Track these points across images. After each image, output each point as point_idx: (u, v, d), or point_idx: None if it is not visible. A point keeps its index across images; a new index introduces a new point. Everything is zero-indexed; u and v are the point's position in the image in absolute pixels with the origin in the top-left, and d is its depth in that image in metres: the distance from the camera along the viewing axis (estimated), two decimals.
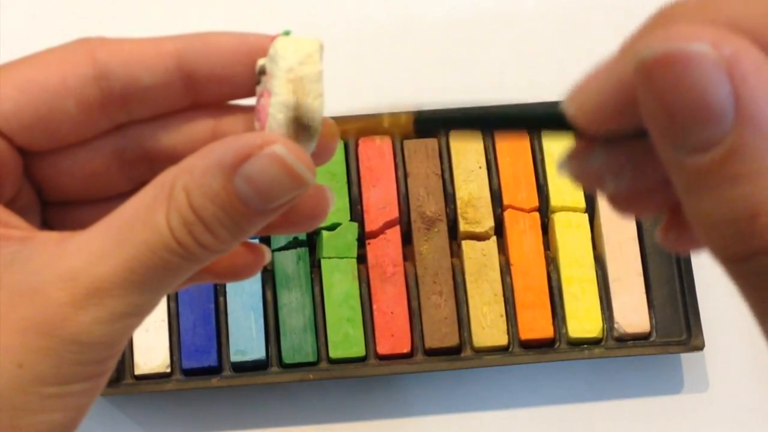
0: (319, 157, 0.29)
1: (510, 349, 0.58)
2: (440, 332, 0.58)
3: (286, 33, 0.28)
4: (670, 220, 0.26)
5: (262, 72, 0.28)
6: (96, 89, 0.28)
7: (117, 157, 0.30)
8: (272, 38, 0.28)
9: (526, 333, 0.58)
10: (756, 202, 0.20)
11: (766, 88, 0.20)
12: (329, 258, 0.58)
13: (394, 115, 0.28)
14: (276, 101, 0.27)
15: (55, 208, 0.31)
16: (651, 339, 0.58)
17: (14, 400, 0.26)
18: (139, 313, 0.27)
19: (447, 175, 0.60)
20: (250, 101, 0.30)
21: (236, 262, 0.31)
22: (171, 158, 0.30)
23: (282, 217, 0.27)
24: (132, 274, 0.26)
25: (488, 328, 0.58)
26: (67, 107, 0.28)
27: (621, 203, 0.26)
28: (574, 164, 0.25)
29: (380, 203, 0.60)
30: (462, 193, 0.60)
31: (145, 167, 0.31)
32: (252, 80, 0.29)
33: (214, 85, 0.29)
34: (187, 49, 0.29)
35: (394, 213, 0.60)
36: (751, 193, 0.20)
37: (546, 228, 0.60)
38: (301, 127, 0.27)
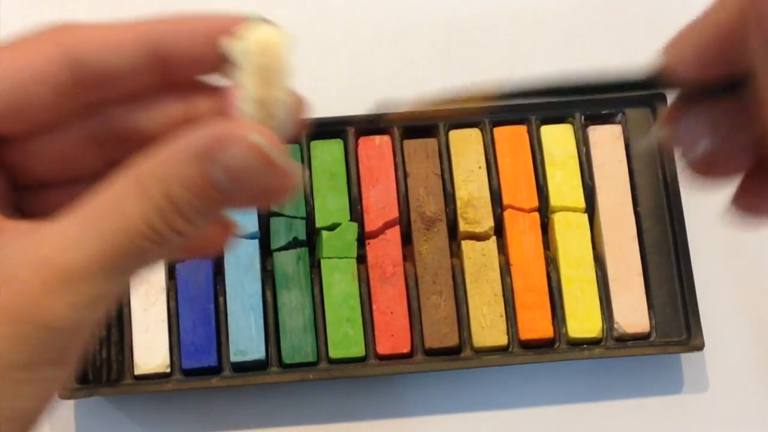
0: (294, 132, 0.29)
1: (510, 349, 0.58)
2: (440, 332, 0.58)
3: (254, 19, 0.28)
4: (746, 184, 0.26)
5: (230, 60, 0.29)
6: (67, 74, 0.29)
7: (90, 139, 0.30)
8: (241, 19, 0.29)
9: (526, 333, 0.58)
10: None
11: None
12: (329, 258, 0.58)
13: (473, 95, 0.28)
14: (243, 94, 0.28)
15: (28, 192, 0.31)
16: (651, 339, 0.58)
17: None
18: (110, 298, 0.27)
19: (447, 175, 0.60)
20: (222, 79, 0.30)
21: (207, 237, 0.31)
22: (144, 138, 0.30)
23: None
24: (105, 261, 0.26)
25: (488, 328, 0.58)
26: (38, 93, 0.28)
27: (704, 167, 0.26)
28: (670, 127, 0.26)
29: (380, 203, 0.60)
30: (462, 193, 0.60)
31: (118, 148, 0.31)
32: (221, 60, 0.29)
33: (184, 67, 0.29)
34: (156, 32, 0.29)
35: (394, 213, 0.60)
36: None
37: (546, 228, 0.60)
38: (269, 116, 0.28)
